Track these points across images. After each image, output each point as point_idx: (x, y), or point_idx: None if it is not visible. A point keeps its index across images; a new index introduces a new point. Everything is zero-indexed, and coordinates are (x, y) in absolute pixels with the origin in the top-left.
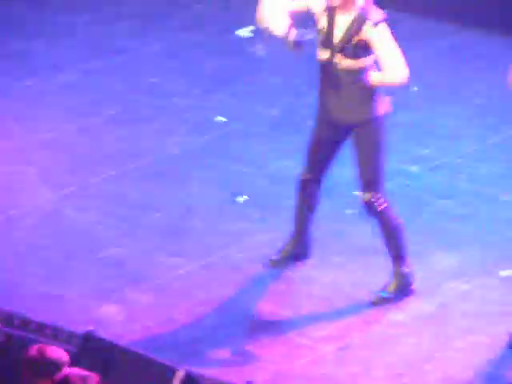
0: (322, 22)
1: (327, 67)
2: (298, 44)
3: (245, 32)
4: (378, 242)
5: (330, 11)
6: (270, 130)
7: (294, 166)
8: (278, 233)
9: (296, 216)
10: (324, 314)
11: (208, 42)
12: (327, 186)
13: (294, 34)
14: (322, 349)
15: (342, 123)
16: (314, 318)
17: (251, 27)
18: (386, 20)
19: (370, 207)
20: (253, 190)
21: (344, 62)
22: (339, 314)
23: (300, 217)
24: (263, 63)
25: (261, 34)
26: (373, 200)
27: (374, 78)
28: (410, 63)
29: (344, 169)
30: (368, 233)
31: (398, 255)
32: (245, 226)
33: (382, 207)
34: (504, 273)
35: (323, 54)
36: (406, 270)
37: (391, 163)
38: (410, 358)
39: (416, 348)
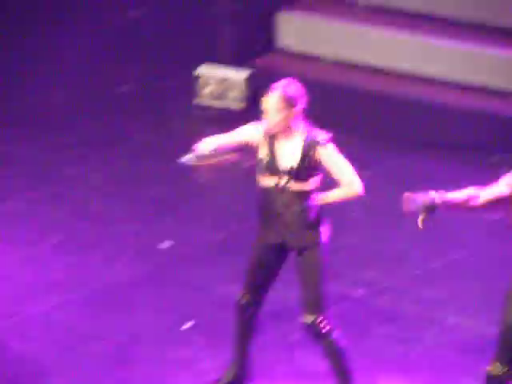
0: (263, 151)
1: (272, 192)
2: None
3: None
4: (325, 367)
5: (271, 139)
6: (217, 254)
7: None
8: (225, 359)
9: (236, 340)
10: None
11: (151, 169)
12: (274, 309)
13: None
14: None
15: (288, 247)
16: None
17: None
18: (332, 139)
19: (313, 330)
20: (201, 315)
21: (295, 186)
22: None
23: (240, 341)
24: (206, 188)
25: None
26: (316, 322)
27: (330, 196)
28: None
29: (291, 292)
30: (316, 358)
31: (344, 378)
32: (192, 352)
33: (325, 330)
34: None
35: (269, 181)
36: None
37: (336, 287)
38: None
39: None
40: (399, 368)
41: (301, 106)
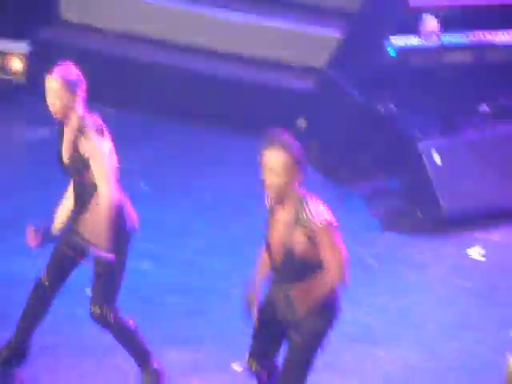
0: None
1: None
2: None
3: None
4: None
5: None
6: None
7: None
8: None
9: (23, 316)
10: None
11: None
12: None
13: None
14: None
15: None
16: None
17: None
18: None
19: (99, 320)
20: None
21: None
22: None
23: (27, 318)
24: None
25: None
26: (102, 313)
27: None
28: (140, 162)
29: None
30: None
31: (142, 356)
32: None
33: (111, 318)
34: (236, 366)
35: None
36: (154, 365)
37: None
38: None
39: None
40: (186, 340)
41: (81, 92)
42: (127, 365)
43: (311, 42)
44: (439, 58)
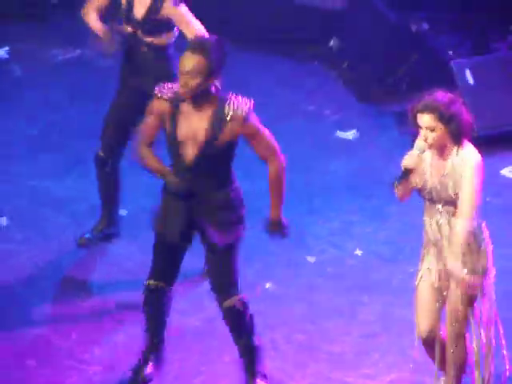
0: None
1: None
2: None
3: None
4: None
5: None
6: (29, 149)
7: (56, 186)
8: (42, 254)
9: (100, 190)
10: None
11: None
12: None
13: None
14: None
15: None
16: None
17: (6, 48)
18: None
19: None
20: (14, 211)
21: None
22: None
23: (105, 191)
24: (21, 81)
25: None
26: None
27: None
28: None
29: None
30: None
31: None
32: (8, 247)
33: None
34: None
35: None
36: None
37: None
38: (179, 374)
39: (184, 364)
40: None
41: None
42: None
43: None
44: None
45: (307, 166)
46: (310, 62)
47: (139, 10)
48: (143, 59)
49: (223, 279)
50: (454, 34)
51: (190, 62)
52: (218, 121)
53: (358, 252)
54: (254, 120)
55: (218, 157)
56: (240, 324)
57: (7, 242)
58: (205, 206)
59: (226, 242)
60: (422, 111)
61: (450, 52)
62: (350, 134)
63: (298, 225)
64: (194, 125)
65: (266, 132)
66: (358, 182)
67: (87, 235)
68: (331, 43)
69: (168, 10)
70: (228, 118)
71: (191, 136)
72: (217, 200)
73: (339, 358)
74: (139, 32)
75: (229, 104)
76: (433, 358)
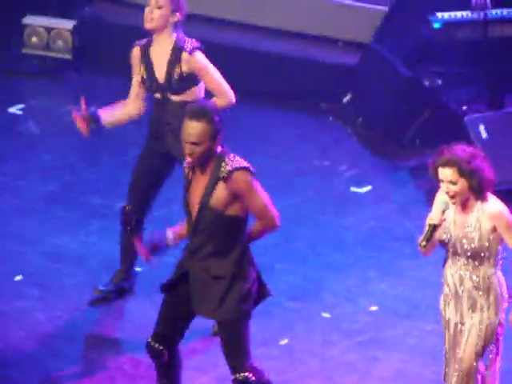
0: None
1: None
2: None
3: (16, 110)
4: None
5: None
6: (46, 206)
7: (71, 242)
8: (57, 311)
9: (122, 244)
10: None
11: None
12: None
13: None
14: None
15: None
16: None
17: (21, 105)
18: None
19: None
20: (30, 268)
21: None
22: None
23: (125, 251)
24: (35, 140)
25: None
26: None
27: None
28: None
29: None
30: None
31: None
32: (24, 304)
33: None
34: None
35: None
36: None
37: None
38: None
39: None
40: None
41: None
42: None
43: (358, 17)
44: (485, 31)
45: (322, 221)
46: (325, 118)
47: (161, 75)
48: (178, 121)
49: (229, 356)
50: (467, 88)
51: (194, 130)
52: (214, 180)
53: (373, 308)
54: (245, 179)
55: (217, 223)
56: None
57: (22, 299)
58: (202, 272)
59: (221, 318)
60: (444, 165)
61: (464, 107)
62: (365, 190)
63: (313, 280)
64: (196, 186)
65: (262, 193)
66: (372, 237)
67: (101, 288)
68: (345, 99)
69: (186, 60)
70: (222, 176)
71: (195, 199)
72: (216, 270)
73: None
74: (168, 95)
75: (225, 163)
76: None
